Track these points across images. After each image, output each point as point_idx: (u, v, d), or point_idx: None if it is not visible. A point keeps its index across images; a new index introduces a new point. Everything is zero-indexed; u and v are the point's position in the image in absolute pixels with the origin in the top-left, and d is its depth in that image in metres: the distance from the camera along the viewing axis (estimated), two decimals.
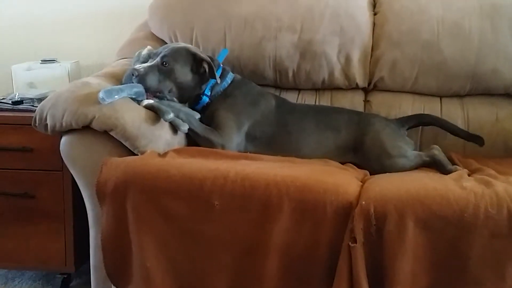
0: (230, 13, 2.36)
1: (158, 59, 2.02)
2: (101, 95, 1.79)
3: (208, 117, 2.06)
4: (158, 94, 2.00)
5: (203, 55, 2.07)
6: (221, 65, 2.16)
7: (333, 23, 2.31)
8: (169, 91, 2.03)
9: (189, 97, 2.09)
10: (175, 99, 2.03)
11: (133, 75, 1.97)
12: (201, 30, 2.36)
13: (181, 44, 2.17)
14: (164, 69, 2.01)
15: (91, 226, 1.90)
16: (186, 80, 2.05)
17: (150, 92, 1.98)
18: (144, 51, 2.11)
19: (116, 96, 1.82)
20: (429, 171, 1.94)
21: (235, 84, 2.15)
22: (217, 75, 2.06)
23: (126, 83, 1.99)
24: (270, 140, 2.06)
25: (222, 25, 2.36)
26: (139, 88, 1.94)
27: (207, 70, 2.05)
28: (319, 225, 1.59)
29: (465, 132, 2.22)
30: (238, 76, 2.20)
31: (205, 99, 2.10)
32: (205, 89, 2.10)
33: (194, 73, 2.06)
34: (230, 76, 2.16)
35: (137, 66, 2.00)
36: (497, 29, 2.24)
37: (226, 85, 2.13)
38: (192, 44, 2.29)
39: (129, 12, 2.78)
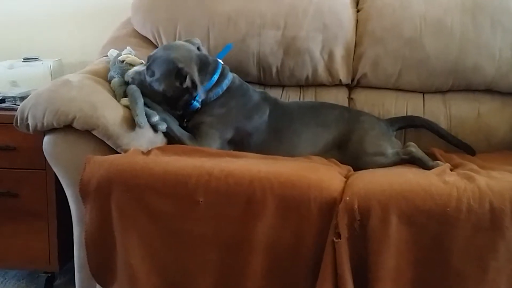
0: (214, 10, 2.36)
1: (144, 68, 1.98)
2: (140, 122, 1.81)
3: (195, 122, 2.02)
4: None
5: (188, 69, 1.94)
6: (221, 63, 2.09)
7: (317, 19, 2.32)
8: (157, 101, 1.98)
9: (178, 104, 2.02)
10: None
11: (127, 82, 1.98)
12: (185, 27, 2.36)
13: (176, 48, 2.03)
14: (148, 80, 1.97)
15: (75, 224, 1.89)
16: (170, 91, 1.98)
17: None
18: (124, 52, 2.09)
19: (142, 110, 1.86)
20: (412, 167, 1.95)
21: (231, 91, 2.07)
22: (212, 79, 2.02)
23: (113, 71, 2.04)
24: (259, 148, 2.02)
25: (205, 22, 2.35)
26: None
27: (190, 86, 1.95)
28: (303, 221, 1.59)
29: (455, 138, 2.23)
30: (237, 79, 2.12)
31: (196, 104, 2.02)
32: (197, 95, 2.00)
33: (179, 85, 1.97)
34: (228, 79, 2.07)
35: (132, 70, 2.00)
36: (479, 26, 2.26)
37: (221, 91, 2.05)
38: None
39: (112, 9, 2.77)
